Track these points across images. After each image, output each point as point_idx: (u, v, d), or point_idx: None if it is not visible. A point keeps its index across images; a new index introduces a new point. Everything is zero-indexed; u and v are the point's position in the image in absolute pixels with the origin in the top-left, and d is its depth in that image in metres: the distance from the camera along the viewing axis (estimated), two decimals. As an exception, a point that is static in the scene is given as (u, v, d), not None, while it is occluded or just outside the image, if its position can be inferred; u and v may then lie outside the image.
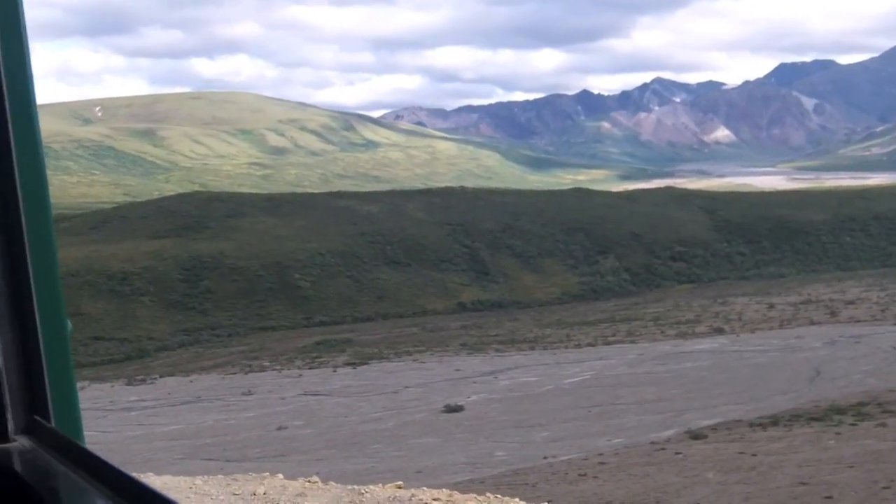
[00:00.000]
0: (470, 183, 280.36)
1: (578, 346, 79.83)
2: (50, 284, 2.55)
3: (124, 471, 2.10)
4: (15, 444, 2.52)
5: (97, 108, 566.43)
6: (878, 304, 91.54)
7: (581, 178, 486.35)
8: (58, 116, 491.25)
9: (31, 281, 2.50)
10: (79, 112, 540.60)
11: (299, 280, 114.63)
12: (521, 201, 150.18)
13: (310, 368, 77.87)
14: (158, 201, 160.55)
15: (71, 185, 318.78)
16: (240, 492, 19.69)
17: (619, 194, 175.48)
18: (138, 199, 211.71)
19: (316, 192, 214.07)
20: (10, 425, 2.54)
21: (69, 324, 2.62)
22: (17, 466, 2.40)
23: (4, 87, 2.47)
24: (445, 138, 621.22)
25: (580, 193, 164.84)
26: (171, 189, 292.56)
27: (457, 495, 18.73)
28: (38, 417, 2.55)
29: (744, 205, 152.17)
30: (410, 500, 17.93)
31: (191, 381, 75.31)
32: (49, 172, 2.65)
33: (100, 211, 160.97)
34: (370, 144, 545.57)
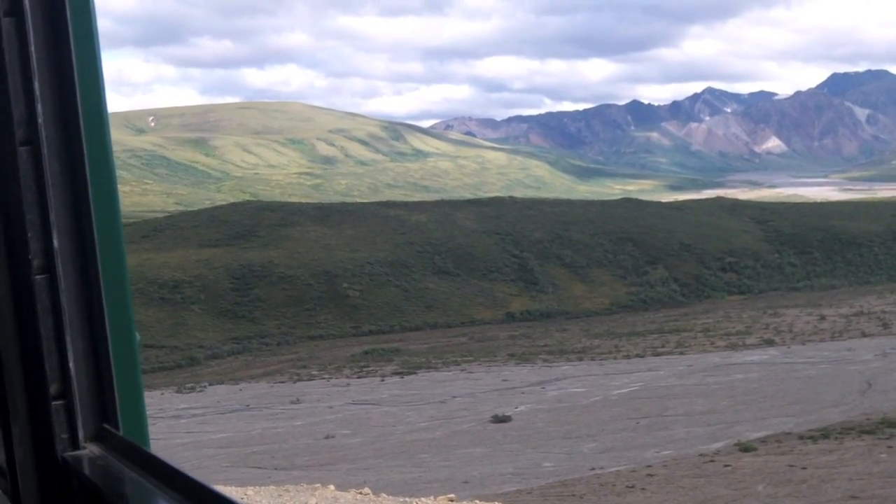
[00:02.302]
0: (519, 193, 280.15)
1: (627, 356, 79.45)
2: (120, 296, 2.67)
3: (194, 477, 2.13)
4: (85, 451, 2.64)
5: (150, 118, 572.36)
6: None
7: (631, 188, 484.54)
8: (111, 126, 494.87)
9: (102, 292, 2.62)
10: (132, 121, 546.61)
11: (348, 289, 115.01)
12: (571, 211, 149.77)
13: (358, 377, 78.11)
14: (210, 210, 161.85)
15: (124, 194, 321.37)
16: (292, 503, 19.85)
17: (669, 204, 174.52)
18: (190, 208, 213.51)
19: (365, 201, 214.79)
20: (81, 433, 2.65)
21: (137, 335, 2.74)
22: (88, 472, 2.52)
23: (79, 99, 2.60)
24: (495, 148, 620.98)
25: (630, 203, 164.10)
26: (222, 198, 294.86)
27: (506, 507, 18.75)
28: (107, 426, 2.67)
29: (795, 215, 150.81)
30: (460, 510, 17.96)
31: (240, 390, 75.78)
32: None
33: (152, 220, 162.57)
34: (419, 154, 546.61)
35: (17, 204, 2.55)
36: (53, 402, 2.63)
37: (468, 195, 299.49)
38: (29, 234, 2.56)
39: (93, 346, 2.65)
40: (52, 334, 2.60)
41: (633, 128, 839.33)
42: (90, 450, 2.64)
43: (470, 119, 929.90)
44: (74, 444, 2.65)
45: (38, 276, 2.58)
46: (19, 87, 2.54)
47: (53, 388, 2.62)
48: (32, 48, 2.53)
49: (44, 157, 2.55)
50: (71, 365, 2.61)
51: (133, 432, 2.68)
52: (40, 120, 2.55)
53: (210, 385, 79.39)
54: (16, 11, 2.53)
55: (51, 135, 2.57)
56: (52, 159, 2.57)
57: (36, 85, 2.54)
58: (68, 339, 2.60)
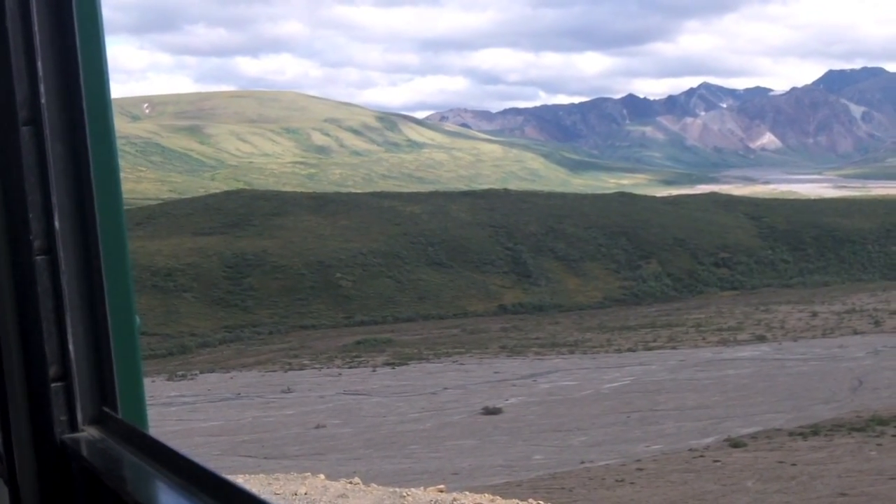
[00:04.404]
0: (514, 185, 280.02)
1: (619, 350, 79.54)
2: (121, 280, 2.66)
3: (194, 459, 2.13)
4: (84, 434, 2.63)
5: (145, 105, 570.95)
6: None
7: (625, 182, 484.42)
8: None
9: (104, 276, 2.62)
10: (127, 109, 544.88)
11: (341, 279, 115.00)
12: (565, 204, 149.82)
13: (349, 367, 78.13)
14: (204, 198, 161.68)
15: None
16: (281, 491, 19.86)
17: (663, 199, 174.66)
18: (184, 196, 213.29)
19: (360, 191, 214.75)
20: (80, 416, 2.65)
21: (138, 318, 2.73)
22: (87, 455, 2.51)
23: (82, 80, 2.59)
24: (490, 140, 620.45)
25: (624, 198, 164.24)
26: (216, 186, 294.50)
27: (499, 500, 18.80)
28: (106, 409, 2.66)
29: (789, 212, 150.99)
30: (452, 503, 18.01)
31: (231, 378, 75.77)
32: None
33: (146, 207, 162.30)
34: (414, 145, 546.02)
35: (18, 185, 2.55)
36: (52, 385, 2.62)
37: (463, 187, 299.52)
38: (30, 215, 2.55)
39: (93, 329, 2.64)
40: (52, 316, 2.59)
41: (628, 122, 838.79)
42: (89, 433, 2.64)
43: (465, 111, 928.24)
44: (73, 427, 2.64)
45: (38, 258, 2.57)
46: (23, 68, 2.53)
47: (53, 371, 2.61)
48: (36, 28, 2.53)
49: (46, 137, 2.55)
50: (71, 347, 2.60)
51: (132, 415, 2.67)
52: (43, 100, 2.54)
53: (201, 373, 79.36)
54: None
55: (53, 115, 2.56)
56: (54, 140, 2.56)
57: (39, 65, 2.53)
58: (68, 321, 2.59)
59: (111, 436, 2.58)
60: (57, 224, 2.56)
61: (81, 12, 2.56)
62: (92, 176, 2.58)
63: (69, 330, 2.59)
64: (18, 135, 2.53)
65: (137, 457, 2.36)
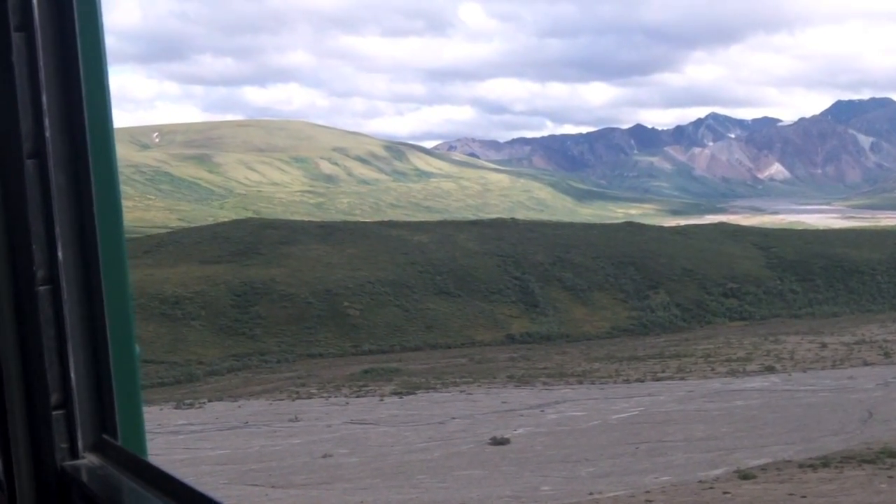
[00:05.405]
0: (521, 215, 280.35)
1: (627, 381, 79.24)
2: (122, 308, 2.69)
3: (193, 486, 2.13)
4: (84, 461, 2.66)
5: (155, 134, 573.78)
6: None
7: (633, 212, 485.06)
8: (117, 141, 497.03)
9: (105, 304, 2.65)
10: (137, 137, 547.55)
11: (349, 308, 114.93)
12: (573, 234, 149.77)
13: (357, 396, 77.91)
14: (212, 227, 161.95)
15: (127, 210, 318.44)
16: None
17: (671, 229, 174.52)
18: (192, 225, 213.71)
19: (367, 220, 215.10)
20: (80, 443, 2.68)
21: (137, 347, 2.76)
22: (87, 482, 2.54)
23: (86, 113, 2.63)
24: (497, 170, 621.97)
25: (632, 227, 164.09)
26: (225, 215, 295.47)
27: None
28: (106, 436, 2.69)
29: (798, 242, 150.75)
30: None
31: (239, 407, 75.58)
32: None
33: (154, 235, 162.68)
34: (422, 174, 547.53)
35: (22, 216, 2.59)
36: (53, 412, 2.65)
37: (470, 216, 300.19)
38: (34, 246, 2.59)
39: (94, 358, 2.67)
40: (53, 345, 2.62)
41: (636, 152, 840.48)
42: (89, 459, 2.66)
43: (473, 140, 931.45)
44: (73, 454, 2.67)
45: (41, 287, 2.61)
46: (27, 101, 2.57)
47: (54, 398, 2.64)
48: (41, 63, 2.57)
49: (50, 170, 2.59)
50: (72, 375, 2.63)
51: (132, 443, 2.70)
52: (47, 133, 2.58)
53: (209, 401, 79.19)
54: (26, 26, 2.56)
55: (57, 148, 2.60)
56: (58, 172, 2.60)
57: (44, 99, 2.57)
58: (70, 349, 2.63)
59: (111, 463, 2.61)
60: (60, 255, 2.60)
61: (85, 47, 2.60)
62: (94, 207, 2.62)
63: (70, 358, 2.63)
64: (23, 167, 2.57)
65: (137, 483, 2.39)
